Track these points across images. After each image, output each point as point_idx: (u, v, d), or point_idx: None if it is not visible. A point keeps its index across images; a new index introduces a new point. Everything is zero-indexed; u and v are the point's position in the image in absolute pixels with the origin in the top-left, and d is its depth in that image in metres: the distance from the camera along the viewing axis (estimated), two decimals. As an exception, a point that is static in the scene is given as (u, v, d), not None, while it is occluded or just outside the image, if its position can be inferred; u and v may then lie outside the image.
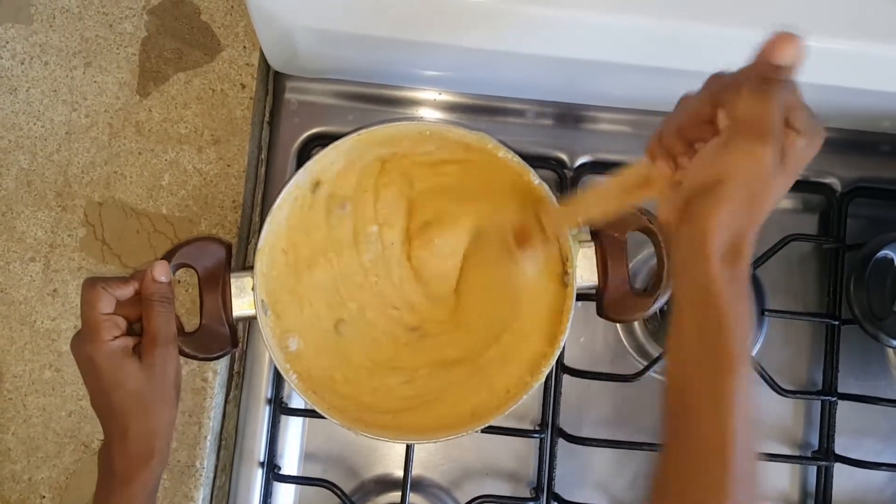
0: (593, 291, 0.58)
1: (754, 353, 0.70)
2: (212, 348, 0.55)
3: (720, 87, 0.38)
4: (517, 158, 0.57)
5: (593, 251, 0.57)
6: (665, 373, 0.42)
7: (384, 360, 0.61)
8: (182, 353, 0.54)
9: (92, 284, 0.51)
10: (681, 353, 0.40)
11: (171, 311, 0.53)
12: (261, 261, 0.56)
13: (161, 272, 0.53)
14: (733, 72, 0.39)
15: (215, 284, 0.55)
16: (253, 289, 0.55)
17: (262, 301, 0.56)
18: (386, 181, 0.61)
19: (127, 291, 0.52)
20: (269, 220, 0.55)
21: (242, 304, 0.55)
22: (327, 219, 0.61)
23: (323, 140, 0.70)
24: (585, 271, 0.57)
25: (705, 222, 0.38)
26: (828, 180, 0.72)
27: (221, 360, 0.66)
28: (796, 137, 0.37)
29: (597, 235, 0.57)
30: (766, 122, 0.36)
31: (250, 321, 0.68)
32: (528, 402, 0.57)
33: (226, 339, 0.55)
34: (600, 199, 0.51)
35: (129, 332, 0.52)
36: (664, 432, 0.40)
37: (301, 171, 0.57)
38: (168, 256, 0.55)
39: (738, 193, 0.37)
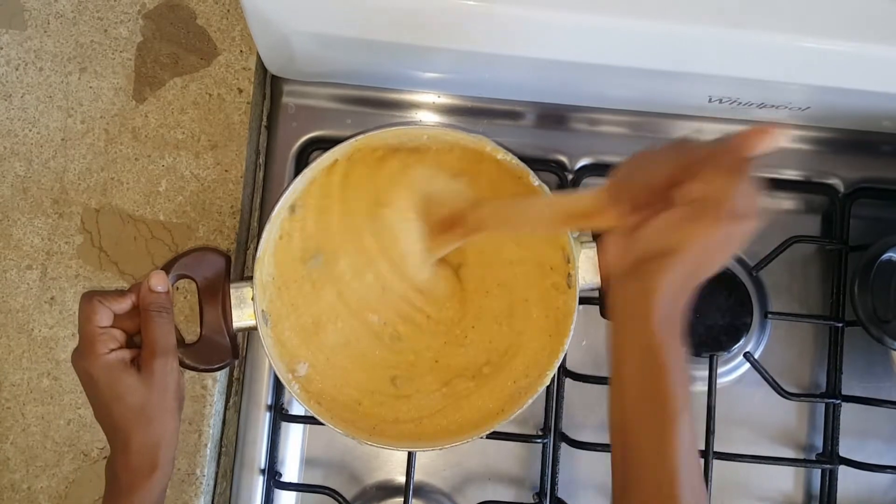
0: (596, 293, 0.57)
1: (758, 355, 0.69)
2: (212, 359, 0.55)
3: (697, 159, 0.41)
4: (516, 160, 0.57)
5: (595, 251, 0.57)
6: (609, 418, 0.45)
7: (386, 369, 0.61)
8: (182, 364, 0.53)
9: (89, 298, 0.51)
10: (623, 402, 0.44)
11: (170, 321, 0.52)
12: (260, 270, 0.56)
13: (158, 282, 0.53)
14: (706, 145, 0.42)
15: (215, 295, 0.54)
16: (252, 299, 0.55)
17: (263, 311, 0.55)
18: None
19: (124, 304, 0.52)
20: (267, 228, 0.55)
21: (242, 315, 0.55)
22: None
23: (321, 144, 0.69)
24: (588, 273, 0.57)
25: (654, 283, 0.41)
26: (830, 181, 0.71)
27: (221, 367, 0.65)
28: (751, 223, 0.41)
29: (599, 235, 0.57)
30: (732, 208, 0.40)
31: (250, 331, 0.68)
32: (530, 407, 0.57)
33: (226, 350, 0.55)
34: (539, 213, 0.53)
35: (128, 344, 0.52)
36: (614, 475, 0.44)
37: (300, 176, 0.56)
38: (167, 268, 0.54)
39: (689, 264, 0.41)
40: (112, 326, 0.51)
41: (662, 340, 0.41)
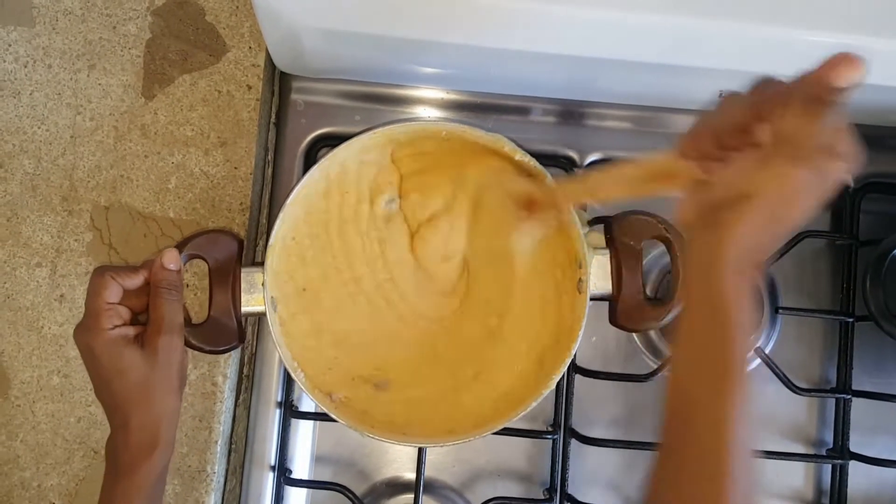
0: (606, 298, 0.57)
1: (768, 350, 0.69)
2: (218, 341, 0.54)
3: (767, 98, 0.37)
4: (534, 162, 0.57)
5: (608, 259, 0.57)
6: (670, 370, 0.42)
7: (395, 363, 0.61)
8: (188, 344, 0.53)
9: (101, 273, 0.51)
10: (687, 355, 0.41)
11: (179, 299, 0.52)
12: (272, 257, 0.55)
13: (170, 260, 0.52)
14: (784, 82, 0.37)
15: (225, 278, 0.54)
16: (263, 285, 0.54)
17: (272, 298, 0.55)
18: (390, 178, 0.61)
19: (135, 280, 0.52)
20: (280, 216, 0.55)
21: (251, 300, 0.55)
22: (339, 216, 0.60)
23: (330, 141, 0.69)
24: (600, 279, 0.56)
25: (727, 232, 0.38)
26: (840, 176, 0.71)
27: (231, 363, 0.65)
28: (837, 163, 0.36)
29: (612, 242, 0.57)
30: (809, 146, 0.36)
31: (259, 320, 0.68)
32: (539, 403, 0.57)
33: (233, 333, 0.54)
34: (616, 181, 0.50)
35: (134, 322, 0.52)
36: (664, 431, 0.40)
37: (314, 168, 0.56)
38: (180, 246, 0.54)
39: (765, 211, 0.38)
40: (120, 303, 0.51)
41: (732, 298, 0.38)
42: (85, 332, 0.50)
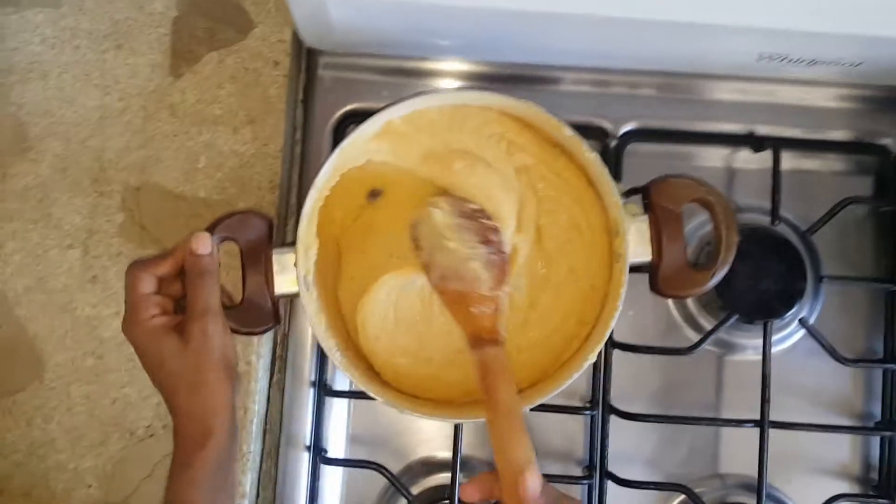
0: (646, 265, 0.56)
1: (812, 321, 0.67)
2: (254, 322, 0.54)
3: None
4: (569, 130, 0.55)
5: (647, 225, 0.55)
6: None
7: (432, 337, 0.60)
8: None
9: (132, 266, 0.51)
10: None
11: (214, 283, 0.51)
12: (304, 236, 0.54)
13: (200, 244, 0.51)
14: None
15: (258, 260, 0.53)
16: (296, 265, 0.54)
17: (305, 277, 0.54)
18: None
19: (165, 267, 0.51)
20: (311, 193, 0.54)
21: (285, 281, 0.54)
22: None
23: (358, 117, 0.68)
24: (638, 246, 0.55)
25: None
26: (882, 141, 0.69)
27: (265, 343, 0.65)
28: None
29: (650, 208, 0.55)
30: None
31: (292, 300, 0.68)
32: (576, 380, 0.55)
33: (269, 314, 0.54)
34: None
35: (176, 310, 0.51)
36: None
37: (343, 143, 0.55)
38: (210, 229, 0.53)
39: None
40: (158, 293, 0.50)
41: None
42: (127, 326, 0.50)
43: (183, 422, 0.49)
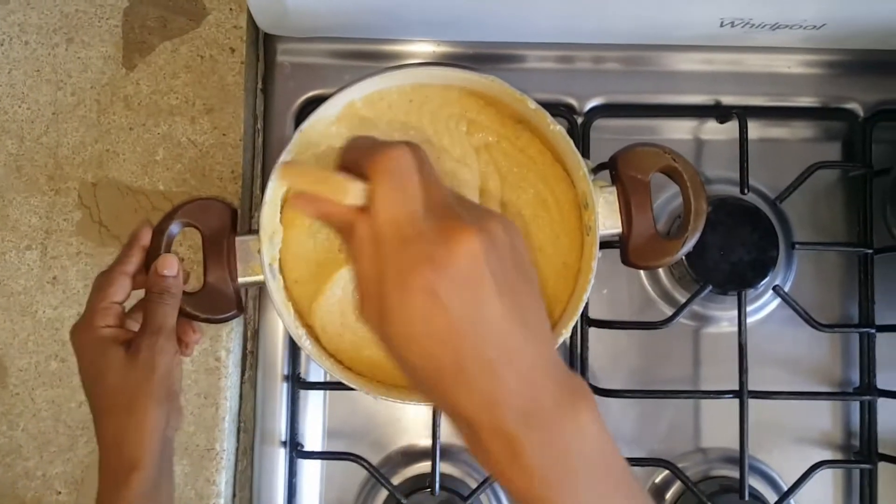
0: (616, 238, 0.55)
1: (787, 289, 0.67)
2: (215, 309, 0.52)
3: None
4: (533, 103, 0.54)
5: (615, 196, 0.54)
6: None
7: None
8: (184, 312, 0.51)
9: (105, 272, 0.49)
10: None
11: (174, 304, 0.50)
12: (267, 222, 0.53)
13: (165, 266, 0.50)
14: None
15: (220, 247, 0.52)
16: (259, 252, 0.52)
17: (270, 265, 0.53)
18: None
19: (133, 259, 0.50)
20: (272, 177, 0.52)
21: (248, 269, 0.52)
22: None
23: (320, 103, 0.66)
24: (608, 218, 0.54)
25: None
26: (849, 106, 0.69)
27: (234, 338, 0.63)
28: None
29: (618, 178, 0.54)
30: None
31: (260, 294, 0.66)
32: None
33: (231, 301, 0.52)
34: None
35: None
36: None
37: (303, 124, 0.54)
38: (171, 214, 0.52)
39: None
40: (123, 303, 0.49)
41: None
42: (77, 329, 0.48)
43: (108, 453, 0.45)
